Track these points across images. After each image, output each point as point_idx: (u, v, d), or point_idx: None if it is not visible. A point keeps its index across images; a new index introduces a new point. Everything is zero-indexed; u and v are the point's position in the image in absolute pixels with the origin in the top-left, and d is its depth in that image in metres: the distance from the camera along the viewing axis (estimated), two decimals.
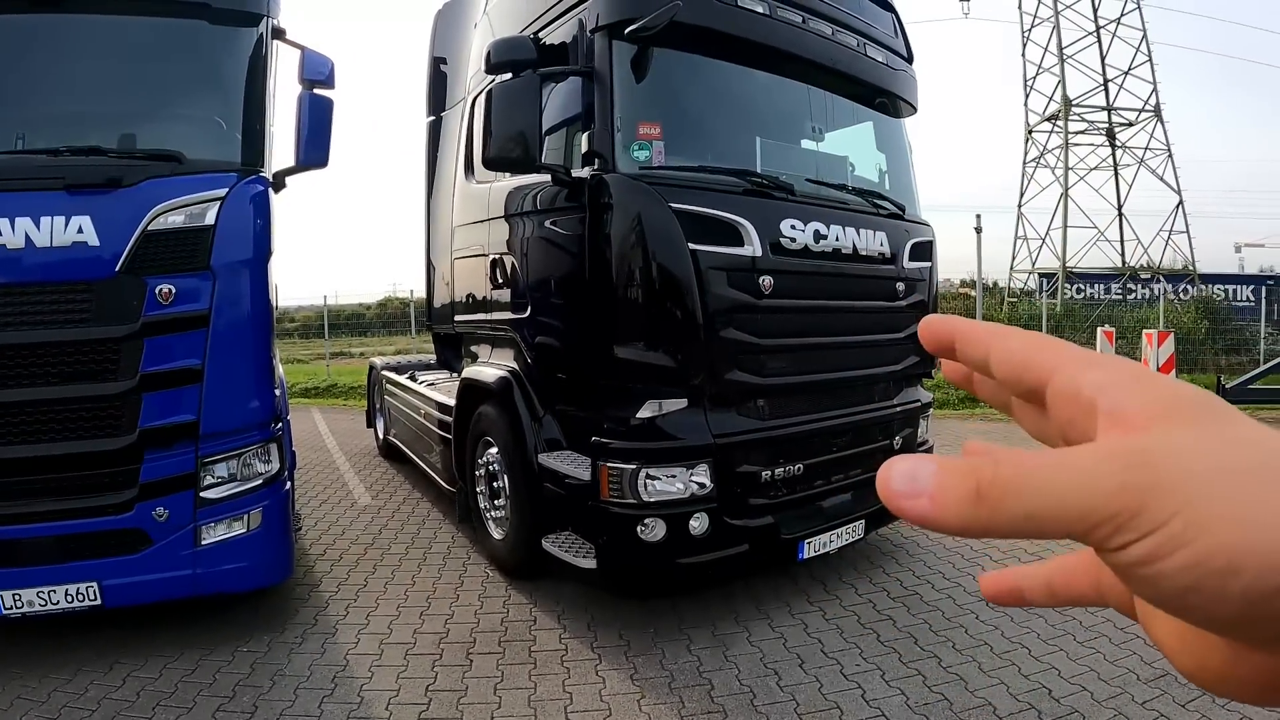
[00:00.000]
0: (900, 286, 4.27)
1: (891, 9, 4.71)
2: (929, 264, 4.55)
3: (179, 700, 3.27)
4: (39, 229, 3.17)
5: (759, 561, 3.73)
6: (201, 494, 3.51)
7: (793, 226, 3.67)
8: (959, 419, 10.69)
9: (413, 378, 6.56)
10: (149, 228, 3.29)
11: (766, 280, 3.53)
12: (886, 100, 4.61)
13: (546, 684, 3.25)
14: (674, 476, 3.30)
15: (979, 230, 13.03)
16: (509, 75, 3.50)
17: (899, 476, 0.27)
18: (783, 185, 3.77)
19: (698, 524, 3.37)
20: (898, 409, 4.33)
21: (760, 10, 3.72)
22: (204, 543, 3.52)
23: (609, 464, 3.27)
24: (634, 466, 3.24)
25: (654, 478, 3.26)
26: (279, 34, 3.82)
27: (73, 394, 3.32)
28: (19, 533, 3.32)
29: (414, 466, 6.65)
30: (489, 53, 3.58)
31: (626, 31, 3.43)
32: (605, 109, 3.39)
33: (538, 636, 3.67)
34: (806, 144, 4.22)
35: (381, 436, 7.92)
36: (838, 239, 3.86)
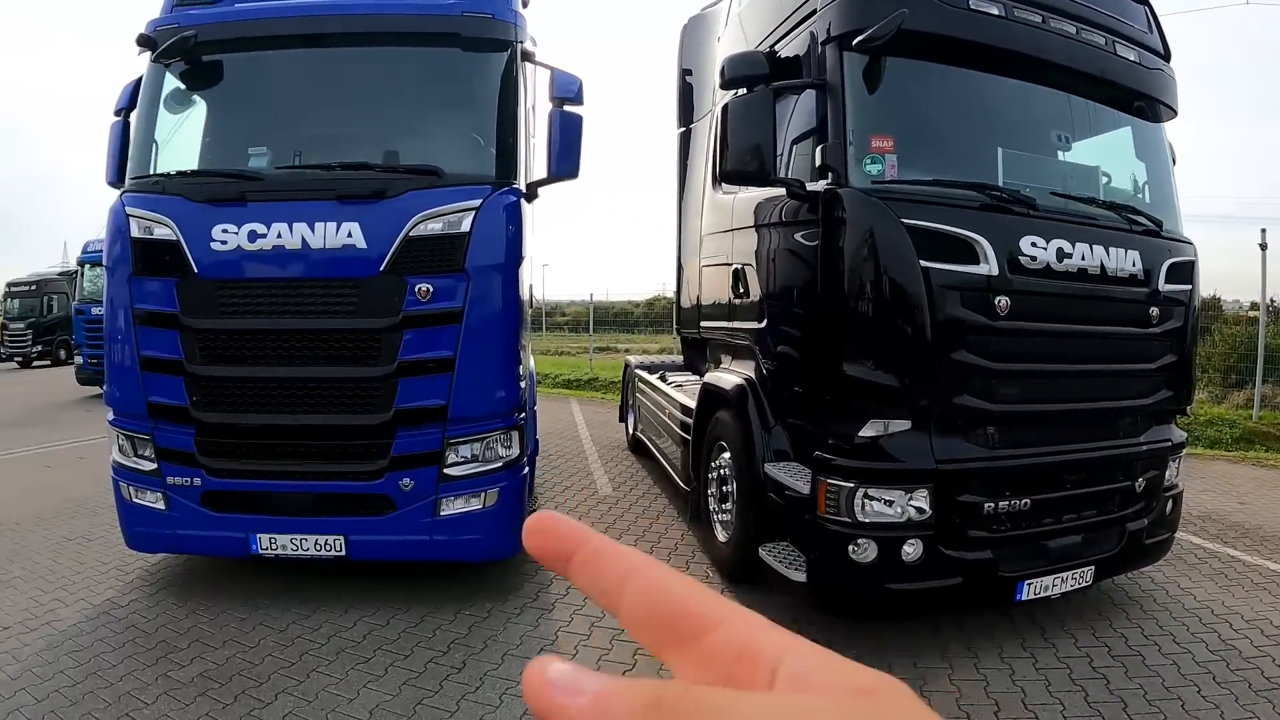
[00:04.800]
0: (1154, 311, 3.81)
1: (1144, 1, 4.21)
2: (1189, 286, 4.02)
3: (399, 647, 3.68)
4: (314, 233, 3.69)
5: (972, 597, 3.54)
6: (445, 470, 3.87)
7: (1033, 244, 3.42)
8: (1230, 462, 8.83)
9: (663, 378, 6.78)
10: (410, 233, 3.68)
11: (1002, 301, 3.33)
12: (1142, 103, 4.13)
13: None
14: (891, 499, 3.23)
15: (1264, 246, 10.93)
16: (743, 90, 3.59)
17: (556, 672, 0.24)
18: (1023, 200, 3.52)
19: (911, 550, 3.26)
20: (1143, 448, 3.87)
21: (994, 12, 3.50)
22: (442, 514, 3.88)
23: (828, 480, 3.27)
24: (852, 485, 3.21)
25: (871, 498, 3.21)
26: (528, 56, 4.14)
27: (340, 374, 3.79)
28: (284, 487, 3.87)
29: (657, 463, 6.86)
30: (723, 68, 3.71)
31: (855, 42, 3.39)
32: (838, 122, 3.38)
33: None
34: (1051, 154, 3.91)
35: (631, 432, 8.25)
36: (1084, 258, 3.53)
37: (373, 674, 3.49)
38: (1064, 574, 3.60)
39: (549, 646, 3.71)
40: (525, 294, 4.31)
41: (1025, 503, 3.47)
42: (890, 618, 3.84)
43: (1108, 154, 4.12)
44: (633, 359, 8.63)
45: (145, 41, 4.03)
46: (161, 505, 3.98)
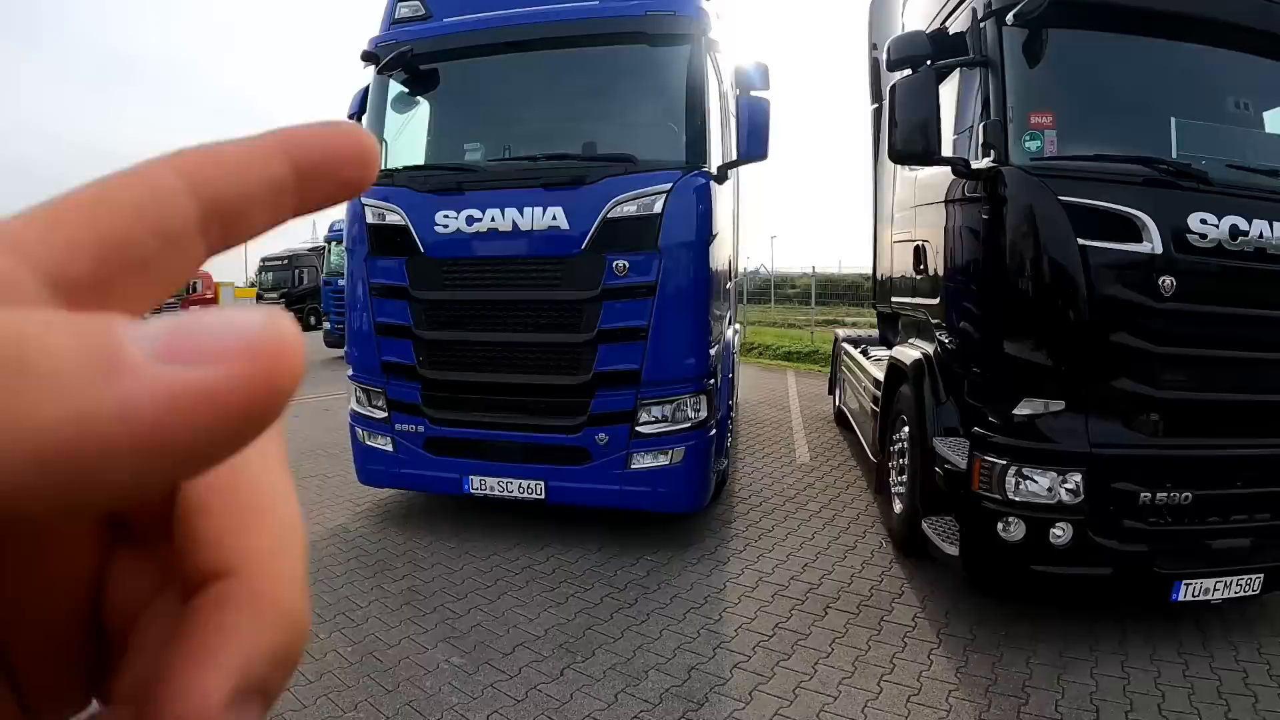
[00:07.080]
0: None
1: None
2: None
3: (582, 581, 4.05)
4: (523, 216, 4.09)
5: (1124, 591, 3.38)
6: (636, 428, 4.18)
7: (1203, 221, 3.21)
8: None
9: (864, 352, 6.82)
10: (608, 215, 4.00)
11: (1166, 281, 3.16)
12: None
13: (878, 651, 3.37)
14: (1043, 480, 3.16)
15: None
16: (909, 71, 3.62)
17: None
18: (1193, 173, 3.31)
19: (1060, 533, 3.18)
20: None
21: None
22: (632, 467, 4.19)
23: (982, 456, 3.25)
24: (1004, 462, 3.17)
25: (1023, 477, 3.15)
26: (713, 48, 4.34)
27: (546, 340, 4.20)
28: (494, 436, 4.34)
29: (855, 435, 6.99)
30: (888, 50, 3.75)
31: (1009, 17, 3.33)
32: (997, 99, 3.34)
33: (895, 609, 3.80)
34: (1230, 123, 3.65)
35: (836, 404, 8.34)
36: (1262, 235, 3.28)
37: (555, 601, 3.86)
38: (1227, 579, 3.35)
39: (715, 595, 3.94)
40: (721, 267, 4.54)
41: (1187, 496, 3.27)
42: (1047, 604, 3.73)
43: None
44: (842, 332, 8.56)
45: (369, 57, 4.58)
46: (390, 448, 4.59)
